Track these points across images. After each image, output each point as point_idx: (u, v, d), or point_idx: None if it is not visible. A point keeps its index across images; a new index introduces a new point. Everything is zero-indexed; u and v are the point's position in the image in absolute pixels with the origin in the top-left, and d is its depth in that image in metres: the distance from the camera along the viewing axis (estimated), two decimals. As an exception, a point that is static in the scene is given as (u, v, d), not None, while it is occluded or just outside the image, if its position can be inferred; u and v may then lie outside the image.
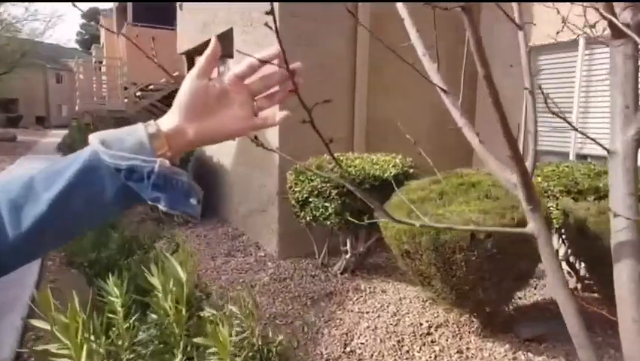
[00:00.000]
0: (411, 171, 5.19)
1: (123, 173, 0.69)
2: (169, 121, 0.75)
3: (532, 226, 1.15)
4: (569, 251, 4.45)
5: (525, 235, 1.16)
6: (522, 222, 3.19)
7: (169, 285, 2.60)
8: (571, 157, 5.81)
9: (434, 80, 1.23)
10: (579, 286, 4.74)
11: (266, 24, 0.70)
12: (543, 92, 1.37)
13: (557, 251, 4.44)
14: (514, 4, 1.33)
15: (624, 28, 1.12)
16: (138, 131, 0.73)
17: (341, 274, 5.33)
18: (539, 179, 4.56)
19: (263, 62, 0.73)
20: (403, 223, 1.27)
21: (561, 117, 1.34)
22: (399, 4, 1.29)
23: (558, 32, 1.99)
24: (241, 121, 0.77)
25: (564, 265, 4.59)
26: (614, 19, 1.16)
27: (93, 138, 0.72)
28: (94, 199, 0.70)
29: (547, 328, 3.80)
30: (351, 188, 1.14)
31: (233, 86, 0.76)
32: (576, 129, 1.49)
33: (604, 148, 1.34)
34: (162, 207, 0.71)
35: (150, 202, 0.71)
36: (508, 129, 1.08)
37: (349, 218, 4.80)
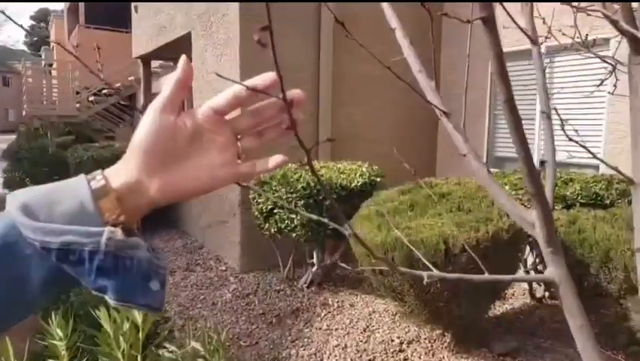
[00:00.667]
0: (378, 179, 5.07)
1: (54, 254, 0.50)
2: (122, 172, 0.56)
3: (553, 272, 1.01)
4: (537, 260, 4.41)
5: (545, 280, 1.01)
6: (497, 235, 3.10)
7: (123, 328, 2.31)
8: (536, 164, 5.82)
9: (432, 101, 1.07)
10: (546, 294, 4.72)
11: (258, 41, 0.52)
12: (558, 110, 1.22)
13: (526, 260, 4.39)
14: (520, 9, 1.19)
15: None
16: (77, 189, 0.53)
17: (307, 287, 5.15)
18: (506, 187, 4.51)
19: (256, 91, 0.55)
20: (407, 273, 1.10)
21: (583, 147, 1.21)
22: (388, 13, 1.13)
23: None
24: (220, 169, 0.59)
25: (532, 273, 4.56)
26: (636, 33, 1.03)
27: (12, 202, 0.52)
28: (12, 290, 0.51)
29: (520, 342, 3.72)
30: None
31: (209, 123, 0.58)
32: (602, 161, 1.36)
33: (628, 178, 1.20)
34: (110, 300, 0.52)
35: (93, 291, 0.52)
36: (530, 162, 0.93)
37: (315, 227, 4.64)
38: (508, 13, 1.03)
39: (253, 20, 5.72)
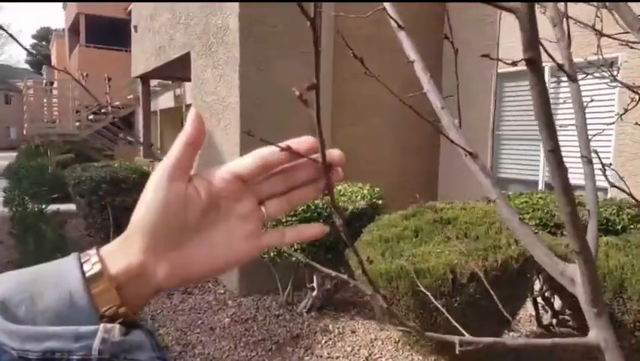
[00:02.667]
0: (380, 202, 4.96)
1: None
2: (123, 254, 0.46)
3: (597, 336, 0.89)
4: (544, 287, 4.28)
5: (587, 345, 0.90)
6: (506, 264, 2.98)
7: None
8: (540, 186, 5.72)
9: (456, 140, 0.97)
10: (554, 321, 4.57)
11: (300, 97, 0.43)
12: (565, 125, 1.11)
13: (532, 287, 4.26)
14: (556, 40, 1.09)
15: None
16: (66, 276, 0.43)
17: (307, 312, 5.00)
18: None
19: (293, 153, 0.46)
20: (436, 338, 0.99)
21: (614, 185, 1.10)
22: (407, 45, 1.03)
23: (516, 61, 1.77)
24: (242, 243, 0.49)
25: (539, 300, 4.42)
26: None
27: None
28: None
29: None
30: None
31: (230, 190, 0.48)
32: (615, 186, 1.25)
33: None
34: None
35: None
36: (575, 217, 0.82)
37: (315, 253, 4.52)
38: (545, 50, 0.93)
39: (253, 41, 5.67)
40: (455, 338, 0.92)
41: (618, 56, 4.59)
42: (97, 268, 0.44)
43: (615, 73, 1.62)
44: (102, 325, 0.41)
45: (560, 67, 0.99)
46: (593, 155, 1.17)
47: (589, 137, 1.15)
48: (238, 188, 0.48)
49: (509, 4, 0.61)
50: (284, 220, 4.57)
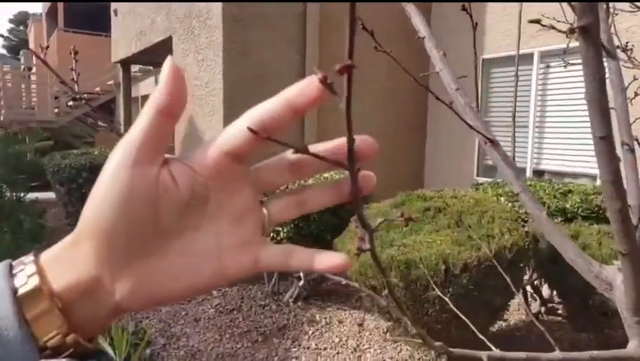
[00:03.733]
0: (367, 190, 4.88)
1: None
2: (70, 264, 0.34)
3: (638, 347, 0.80)
4: (534, 275, 4.25)
5: (629, 355, 0.80)
6: (499, 254, 2.91)
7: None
8: (528, 173, 5.68)
9: (475, 125, 0.87)
10: (542, 309, 4.55)
11: (343, 69, 0.30)
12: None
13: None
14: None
15: None
16: None
17: (294, 302, 4.92)
18: (502, 199, 4.34)
19: (320, 158, 0.33)
20: (463, 354, 0.89)
21: None
22: (416, 20, 0.92)
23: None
24: (233, 255, 0.37)
25: (528, 288, 4.39)
26: None
27: None
28: None
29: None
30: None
31: (220, 176, 0.36)
32: None
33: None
34: None
35: None
36: (626, 215, 0.72)
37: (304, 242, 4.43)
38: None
39: (237, 25, 5.51)
40: (484, 355, 0.83)
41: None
42: (33, 282, 0.32)
43: (630, 54, 1.53)
44: None
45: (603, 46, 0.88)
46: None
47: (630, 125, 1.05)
48: (232, 173, 0.36)
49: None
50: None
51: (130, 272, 0.34)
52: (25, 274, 0.33)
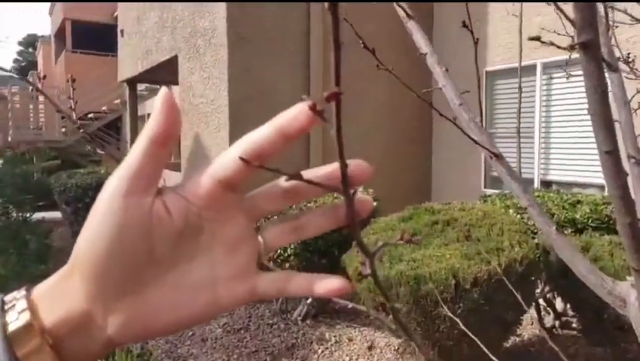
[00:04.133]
0: (375, 203, 4.84)
1: None
2: (62, 298, 0.34)
3: None
4: (546, 288, 4.18)
5: None
6: (510, 267, 2.86)
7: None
8: (536, 184, 5.63)
9: (479, 140, 0.84)
10: (557, 323, 4.47)
11: (320, 113, 0.29)
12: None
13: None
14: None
15: None
16: None
17: (302, 320, 4.86)
18: (510, 211, 4.29)
19: (314, 184, 0.33)
20: None
21: None
22: (417, 36, 0.91)
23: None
24: (229, 285, 0.36)
25: (541, 301, 4.32)
26: None
27: None
28: None
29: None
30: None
31: (213, 205, 0.35)
32: None
33: None
34: None
35: None
36: (636, 230, 0.69)
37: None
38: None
39: (241, 42, 5.53)
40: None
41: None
42: (25, 318, 0.32)
43: (632, 65, 1.50)
44: None
45: (604, 59, 0.86)
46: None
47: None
48: (225, 202, 0.35)
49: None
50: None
51: (123, 305, 0.34)
52: (17, 310, 0.33)
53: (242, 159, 0.32)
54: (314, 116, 0.32)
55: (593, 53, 0.55)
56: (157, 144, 0.33)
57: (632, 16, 1.34)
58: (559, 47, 0.74)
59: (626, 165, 1.02)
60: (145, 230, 0.33)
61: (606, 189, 4.88)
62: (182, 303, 0.35)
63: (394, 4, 1.06)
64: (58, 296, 0.33)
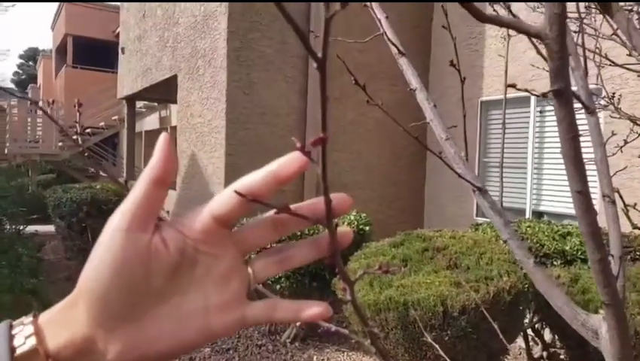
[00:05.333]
0: (367, 228, 4.88)
1: None
2: (65, 324, 0.37)
3: None
4: (535, 318, 4.20)
5: None
6: (498, 296, 2.90)
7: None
8: (528, 214, 5.68)
9: (463, 174, 0.90)
10: (544, 354, 4.48)
11: (302, 149, 0.33)
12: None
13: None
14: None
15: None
16: None
17: (291, 342, 4.85)
18: (501, 240, 4.33)
19: (296, 215, 0.37)
20: None
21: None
22: (408, 73, 0.97)
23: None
24: (220, 314, 0.39)
25: (529, 331, 4.33)
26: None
27: None
28: None
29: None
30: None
31: (209, 240, 0.38)
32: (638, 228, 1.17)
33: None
34: None
35: None
36: (606, 266, 0.73)
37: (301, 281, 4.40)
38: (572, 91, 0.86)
39: (241, 65, 5.62)
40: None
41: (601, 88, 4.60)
42: (31, 343, 0.35)
43: (616, 102, 1.57)
44: None
45: (577, 98, 0.92)
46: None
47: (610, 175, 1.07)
48: (219, 237, 0.38)
49: (535, 27, 0.54)
50: (268, 247, 4.46)
51: (122, 332, 0.37)
52: (24, 335, 0.36)
53: (237, 193, 0.36)
54: (305, 163, 0.36)
55: (565, 100, 0.60)
56: (157, 184, 0.37)
57: (614, 62, 1.41)
58: (532, 94, 0.80)
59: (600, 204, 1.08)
60: (144, 263, 0.36)
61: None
62: (176, 332, 0.38)
63: (388, 41, 1.11)
64: (63, 322, 0.37)
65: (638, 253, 3.85)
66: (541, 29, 0.53)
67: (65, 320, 0.37)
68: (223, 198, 0.37)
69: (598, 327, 0.84)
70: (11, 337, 0.35)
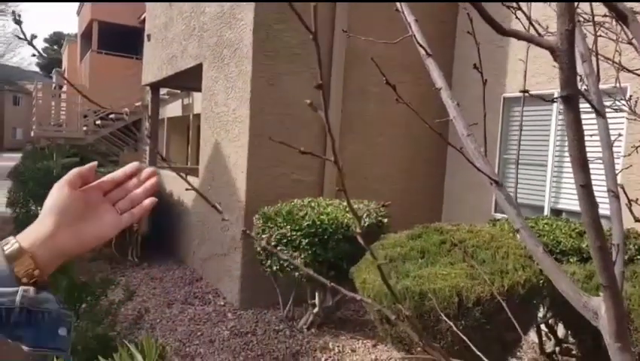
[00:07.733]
0: (385, 220, 4.96)
1: None
2: (35, 231, 0.68)
3: None
4: (548, 314, 4.25)
5: None
6: (512, 290, 2.97)
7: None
8: (546, 212, 5.70)
9: (482, 168, 0.98)
10: (557, 349, 4.53)
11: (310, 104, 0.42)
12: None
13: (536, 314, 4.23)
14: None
15: None
16: None
17: (307, 329, 4.98)
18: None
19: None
20: None
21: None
22: (435, 74, 1.05)
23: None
24: (109, 222, 0.75)
25: (543, 327, 4.39)
26: None
27: None
28: None
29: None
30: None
31: (96, 195, 0.76)
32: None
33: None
34: (25, 347, 0.61)
35: (10, 341, 0.61)
36: (606, 252, 0.82)
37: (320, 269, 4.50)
38: (582, 94, 0.94)
39: (266, 55, 5.71)
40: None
41: (627, 86, 4.59)
42: (15, 246, 0.64)
43: (633, 105, 1.63)
44: (21, 287, 0.61)
45: (589, 102, 1.00)
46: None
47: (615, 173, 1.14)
48: (99, 195, 0.76)
49: (548, 40, 0.62)
50: (288, 235, 4.57)
51: (69, 230, 0.69)
52: (10, 243, 0.65)
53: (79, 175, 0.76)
54: (136, 170, 0.80)
55: (573, 105, 0.68)
56: (84, 173, 0.75)
57: (628, 69, 1.46)
58: (544, 100, 0.87)
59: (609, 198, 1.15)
60: (73, 200, 0.71)
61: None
62: (93, 229, 0.73)
63: (416, 44, 1.19)
64: (33, 231, 0.68)
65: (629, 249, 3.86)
66: (553, 43, 0.61)
67: (35, 229, 0.68)
68: (104, 179, 0.78)
69: (598, 308, 0.92)
70: (2, 245, 0.64)
